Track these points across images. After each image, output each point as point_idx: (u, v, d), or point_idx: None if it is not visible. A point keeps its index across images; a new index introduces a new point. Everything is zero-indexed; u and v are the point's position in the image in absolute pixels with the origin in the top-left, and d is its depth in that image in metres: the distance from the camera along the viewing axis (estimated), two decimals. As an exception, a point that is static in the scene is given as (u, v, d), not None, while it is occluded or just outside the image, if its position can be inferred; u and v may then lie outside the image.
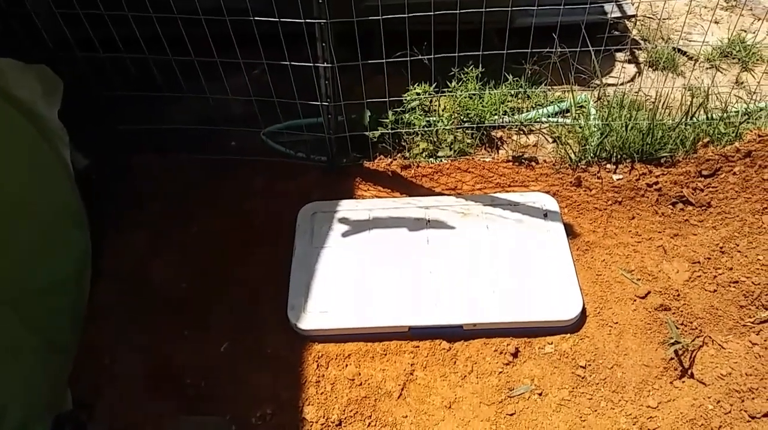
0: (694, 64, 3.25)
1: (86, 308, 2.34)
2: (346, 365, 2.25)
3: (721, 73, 3.24)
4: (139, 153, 2.79)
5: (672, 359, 2.18)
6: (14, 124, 2.18)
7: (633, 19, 3.51)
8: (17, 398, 1.92)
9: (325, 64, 2.37)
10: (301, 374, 2.23)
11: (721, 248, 2.42)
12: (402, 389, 2.20)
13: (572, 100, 2.94)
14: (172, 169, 2.78)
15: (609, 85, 3.14)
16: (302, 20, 2.22)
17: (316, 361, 2.26)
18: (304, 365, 2.25)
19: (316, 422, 2.13)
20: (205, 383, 2.21)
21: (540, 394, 2.17)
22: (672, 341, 2.18)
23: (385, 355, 2.27)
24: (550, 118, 2.98)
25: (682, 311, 2.29)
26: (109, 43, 2.42)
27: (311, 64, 2.37)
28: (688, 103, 2.78)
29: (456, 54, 2.43)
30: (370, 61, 2.39)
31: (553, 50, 2.69)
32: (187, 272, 2.49)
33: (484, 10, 2.28)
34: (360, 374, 2.23)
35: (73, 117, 2.44)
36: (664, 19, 3.57)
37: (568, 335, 2.29)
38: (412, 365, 2.25)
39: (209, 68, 2.44)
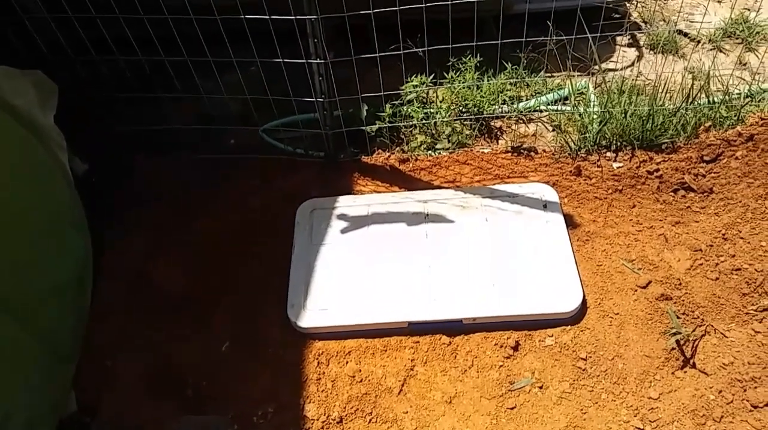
0: (695, 46, 3.20)
1: (89, 311, 2.36)
2: (347, 362, 2.26)
3: (724, 53, 3.18)
4: (139, 154, 2.81)
5: (673, 349, 2.17)
6: (11, 132, 2.18)
7: (633, 2, 3.45)
8: (21, 405, 1.95)
9: (318, 60, 2.35)
10: (302, 372, 2.25)
11: (723, 234, 2.39)
12: (402, 385, 2.21)
13: (570, 87, 2.90)
14: (171, 170, 2.79)
15: (609, 70, 3.10)
16: (293, 17, 2.20)
17: (317, 358, 2.27)
18: (305, 363, 2.27)
19: (317, 420, 2.14)
20: (207, 382, 2.23)
21: (541, 387, 2.17)
22: (673, 331, 2.16)
23: (386, 351, 2.28)
24: (549, 107, 2.94)
25: (683, 300, 2.27)
26: (102, 45, 2.42)
27: (304, 61, 2.35)
28: (689, 86, 2.73)
29: (450, 45, 2.39)
30: (363, 56, 2.36)
31: (548, 38, 2.64)
32: (188, 272, 2.51)
33: None
34: (360, 370, 2.24)
35: (70, 121, 2.46)
36: (664, 0, 3.50)
37: (569, 327, 2.28)
38: (412, 360, 2.26)
39: (203, 67, 2.43)
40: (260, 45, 2.34)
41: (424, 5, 2.22)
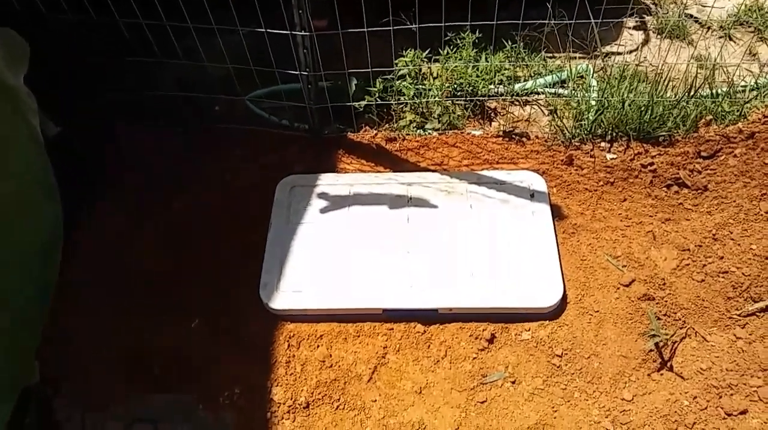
0: (705, 32, 3.05)
1: (57, 283, 2.31)
2: (318, 346, 2.22)
3: (734, 42, 3.04)
4: (117, 122, 2.71)
5: (651, 350, 2.12)
6: (-23, 91, 2.10)
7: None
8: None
9: (303, 33, 2.24)
10: (272, 354, 2.20)
11: (713, 234, 2.31)
12: (373, 373, 2.17)
13: (569, 70, 2.78)
14: (151, 139, 2.70)
15: (612, 53, 2.97)
16: (276, -15, 2.08)
17: (287, 341, 2.23)
18: (275, 345, 2.22)
19: (284, 404, 2.11)
20: (174, 361, 2.19)
21: (513, 382, 2.12)
22: (652, 332, 2.10)
23: (358, 337, 2.23)
24: (546, 89, 2.83)
25: (666, 301, 2.20)
26: (78, 2, 2.30)
27: (288, 32, 2.24)
28: (694, 76, 2.61)
29: (443, 24, 2.27)
30: (350, 30, 2.25)
31: (547, 20, 2.50)
32: (162, 248, 2.44)
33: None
34: (331, 355, 2.19)
35: (43, 82, 2.35)
36: (678, -19, 3.34)
37: (547, 322, 2.22)
38: (384, 347, 2.21)
39: (186, 32, 2.31)
40: (252, 12, 2.22)
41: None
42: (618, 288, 2.25)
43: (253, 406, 2.11)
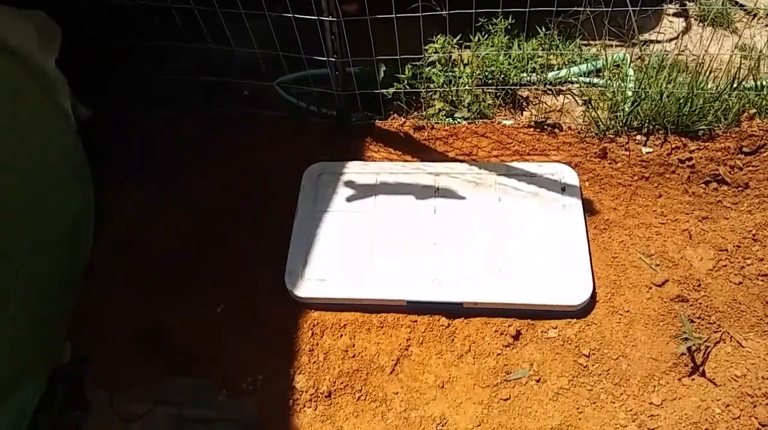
0: (750, 20, 2.92)
1: (86, 264, 2.34)
2: (341, 336, 2.20)
3: (783, 31, 2.90)
4: (146, 105, 2.70)
5: (683, 354, 2.05)
6: (9, 74, 2.11)
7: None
8: (5, 354, 1.95)
9: (330, 18, 2.19)
10: (295, 341, 2.20)
11: (753, 235, 2.22)
12: (395, 365, 2.15)
13: (605, 59, 2.69)
14: (178, 123, 2.70)
15: (651, 41, 2.86)
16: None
17: (311, 329, 2.22)
18: (299, 333, 2.22)
19: (306, 392, 2.11)
20: (198, 345, 2.21)
21: (538, 380, 2.09)
22: (684, 336, 2.04)
23: (382, 328, 2.21)
24: (581, 78, 2.74)
25: (700, 303, 2.13)
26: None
27: (315, 18, 2.19)
28: (737, 67, 2.49)
29: (473, 11, 2.20)
30: (378, 17, 2.19)
31: (582, 8, 2.41)
32: (188, 232, 2.45)
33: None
34: (354, 345, 2.18)
35: (75, 65, 2.36)
36: (724, -35, 3.19)
37: (575, 320, 2.17)
38: (408, 340, 2.19)
39: (215, 16, 2.28)
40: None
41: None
42: (650, 288, 2.19)
43: (275, 393, 2.11)
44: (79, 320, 2.25)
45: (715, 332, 2.07)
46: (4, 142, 2.03)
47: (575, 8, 2.44)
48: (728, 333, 2.06)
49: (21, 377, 1.98)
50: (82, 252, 2.35)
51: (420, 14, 2.20)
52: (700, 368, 2.02)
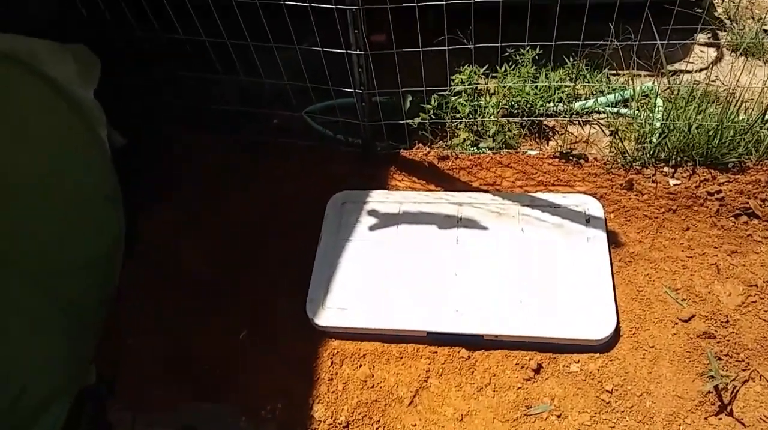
0: (785, 51, 2.87)
1: (116, 288, 2.41)
2: (360, 365, 2.21)
3: (818, 62, 2.84)
4: (179, 132, 2.80)
5: (710, 392, 2.00)
6: (50, 105, 2.22)
7: (720, -5, 3.13)
8: (40, 374, 2.02)
9: (358, 52, 2.24)
10: (315, 370, 2.22)
11: (785, 271, 2.16)
12: (414, 396, 2.14)
13: (633, 89, 2.67)
14: (210, 150, 2.78)
15: (681, 71, 2.83)
16: (333, 6, 2.10)
17: (331, 358, 2.23)
18: (318, 362, 2.23)
19: (324, 422, 2.12)
20: (221, 370, 2.24)
21: (559, 416, 2.05)
22: (711, 373, 1.98)
23: (401, 358, 2.22)
24: (608, 108, 2.72)
25: (728, 340, 2.07)
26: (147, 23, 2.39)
27: (344, 51, 2.25)
28: (769, 99, 2.45)
29: (499, 44, 2.22)
30: (405, 50, 2.24)
31: (608, 41, 2.40)
32: (215, 257, 2.51)
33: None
34: (373, 376, 2.19)
35: (111, 94, 2.47)
36: (757, -5, 3.15)
37: (597, 354, 2.14)
38: (427, 371, 2.18)
39: (246, 48, 2.36)
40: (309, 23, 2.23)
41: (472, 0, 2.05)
42: (676, 323, 2.14)
43: (294, 422, 2.13)
44: (106, 342, 2.31)
45: (743, 371, 2.01)
46: (44, 169, 2.13)
47: (602, 42, 2.43)
48: (758, 372, 2.00)
49: (53, 397, 2.05)
50: (113, 276, 2.43)
51: (446, 47, 2.23)
52: (728, 408, 1.96)
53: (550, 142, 2.69)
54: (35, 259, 2.07)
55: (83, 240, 2.30)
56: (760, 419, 1.93)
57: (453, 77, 2.65)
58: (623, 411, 2.02)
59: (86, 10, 2.39)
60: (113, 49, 2.49)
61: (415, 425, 2.09)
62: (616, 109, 2.71)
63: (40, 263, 2.09)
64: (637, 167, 2.48)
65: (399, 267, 2.34)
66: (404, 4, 2.10)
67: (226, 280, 2.44)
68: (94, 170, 2.40)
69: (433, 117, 2.64)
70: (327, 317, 2.26)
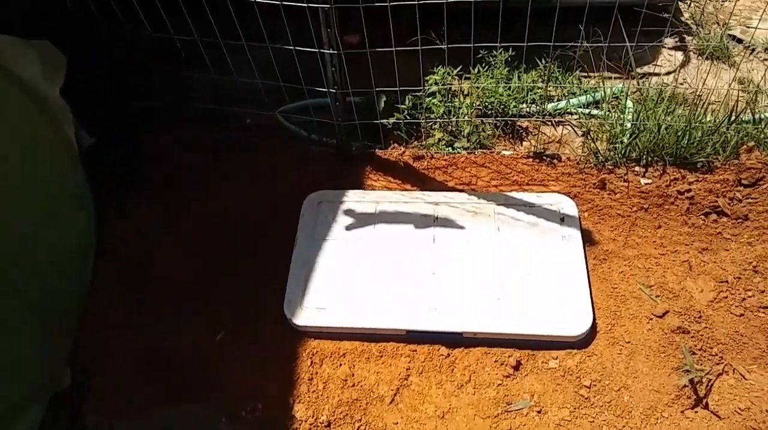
0: (748, 54, 2.96)
1: (88, 288, 2.33)
2: (340, 365, 2.18)
3: (779, 65, 2.94)
4: (150, 132, 2.73)
5: (686, 386, 2.03)
6: (14, 103, 2.14)
7: (687, 1, 3.22)
8: (12, 378, 1.94)
9: (331, 51, 2.23)
10: (294, 370, 2.18)
11: (754, 267, 2.21)
12: (395, 395, 2.12)
13: (603, 91, 2.72)
14: (181, 149, 2.72)
15: (650, 74, 2.90)
16: (305, 4, 2.08)
17: (311, 358, 2.20)
18: (298, 362, 2.20)
19: (305, 421, 2.08)
20: (199, 372, 2.19)
21: (539, 411, 2.06)
22: (686, 368, 2.01)
23: (381, 357, 2.19)
24: (580, 110, 2.77)
25: (702, 335, 2.11)
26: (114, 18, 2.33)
27: (316, 50, 2.23)
28: (735, 100, 2.52)
29: (472, 45, 2.23)
30: (378, 49, 2.23)
31: (579, 43, 2.44)
32: (189, 258, 2.45)
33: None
34: (353, 375, 2.16)
35: (78, 93, 2.39)
36: (722, 1, 3.25)
37: (575, 351, 2.15)
38: (407, 369, 2.17)
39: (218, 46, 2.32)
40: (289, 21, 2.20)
41: (445, 0, 2.05)
42: (651, 319, 2.17)
43: (274, 422, 2.08)
44: (80, 345, 2.23)
45: (717, 364, 2.05)
46: (8, 167, 2.05)
47: (572, 44, 2.47)
48: (731, 365, 2.04)
49: (27, 400, 1.96)
50: (84, 277, 2.35)
51: (419, 47, 2.23)
52: (703, 401, 2.00)
53: (524, 143, 2.72)
54: (3, 259, 1.99)
55: (51, 241, 2.22)
56: (735, 411, 1.96)
57: (427, 78, 2.66)
58: (602, 406, 2.04)
59: (53, 5, 2.32)
60: (80, 45, 2.42)
61: (397, 423, 2.07)
62: (587, 111, 2.76)
63: (8, 263, 2.01)
64: (610, 167, 2.51)
65: (377, 266, 2.32)
66: (377, 4, 2.09)
67: (203, 281, 2.39)
68: (61, 169, 2.32)
69: (408, 117, 2.64)
70: (305, 317, 2.22)
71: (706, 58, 2.95)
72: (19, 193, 2.10)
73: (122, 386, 2.18)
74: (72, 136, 2.37)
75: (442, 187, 2.56)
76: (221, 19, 2.23)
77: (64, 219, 2.32)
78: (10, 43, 2.14)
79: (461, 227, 2.39)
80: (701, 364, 2.05)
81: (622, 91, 2.76)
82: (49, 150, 2.27)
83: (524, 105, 2.76)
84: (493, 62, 2.78)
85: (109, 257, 2.45)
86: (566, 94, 2.83)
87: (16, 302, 2.01)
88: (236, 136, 2.73)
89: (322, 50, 2.21)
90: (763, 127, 2.46)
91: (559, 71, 2.86)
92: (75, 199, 2.37)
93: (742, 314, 2.13)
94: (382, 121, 2.59)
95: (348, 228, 2.44)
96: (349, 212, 2.48)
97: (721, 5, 3.22)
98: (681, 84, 2.81)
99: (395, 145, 2.68)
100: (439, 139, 2.66)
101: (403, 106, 2.63)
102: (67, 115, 2.35)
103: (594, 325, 2.17)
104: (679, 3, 3.16)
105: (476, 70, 2.72)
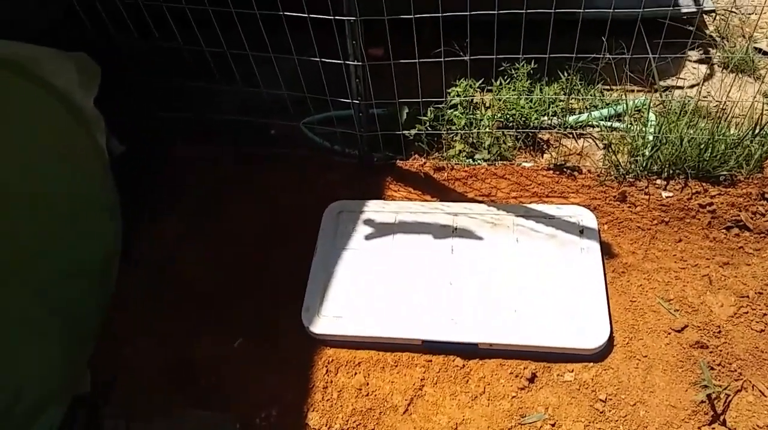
0: (775, 68, 2.93)
1: (112, 295, 2.41)
2: (355, 374, 2.22)
3: (807, 79, 2.90)
4: (178, 142, 2.82)
5: (703, 402, 2.01)
6: (52, 113, 2.24)
7: (712, 14, 3.19)
8: (34, 379, 2.01)
9: (356, 62, 2.28)
10: (310, 378, 2.22)
11: (776, 282, 2.19)
12: (409, 405, 2.15)
13: (626, 104, 2.71)
14: (209, 160, 2.80)
15: (673, 87, 2.88)
16: (331, 17, 2.13)
17: (326, 366, 2.24)
18: (314, 370, 2.23)
19: None
20: (217, 378, 2.24)
21: (553, 424, 2.06)
22: (704, 383, 2.00)
23: (396, 366, 2.22)
24: (602, 122, 2.77)
25: (721, 351, 2.09)
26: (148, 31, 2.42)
27: (341, 62, 2.28)
28: (760, 113, 2.49)
29: (494, 56, 2.26)
30: (402, 61, 2.27)
31: (601, 54, 2.45)
32: (213, 266, 2.51)
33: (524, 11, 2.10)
34: (368, 384, 2.19)
35: (111, 102, 2.49)
36: (748, 14, 3.22)
37: (591, 364, 2.15)
38: (422, 379, 2.19)
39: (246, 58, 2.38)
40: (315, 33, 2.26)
41: (468, 13, 2.09)
42: (669, 333, 2.16)
43: (288, 429, 2.12)
44: (102, 349, 2.31)
45: (736, 381, 2.03)
46: (42, 175, 2.14)
47: (595, 55, 2.48)
48: (750, 382, 2.02)
49: (47, 401, 2.04)
50: (109, 284, 2.43)
51: (442, 59, 2.26)
52: (721, 417, 1.98)
53: (545, 155, 2.73)
54: (31, 265, 2.07)
55: (78, 247, 2.30)
56: (753, 428, 1.94)
57: (449, 90, 2.70)
58: (617, 420, 2.03)
59: (88, 18, 2.42)
60: (114, 57, 2.51)
61: (410, 433, 2.09)
62: (609, 123, 2.76)
63: (35, 270, 2.09)
64: (630, 180, 2.51)
65: (394, 276, 2.35)
66: (401, 16, 2.14)
67: (224, 290, 2.44)
68: (92, 178, 2.41)
69: (430, 129, 2.67)
70: (322, 325, 2.26)
71: (731, 71, 2.92)
72: (50, 200, 2.18)
73: (140, 391, 2.23)
74: (103, 145, 2.46)
75: (461, 198, 2.58)
76: (249, 33, 2.30)
77: (93, 225, 2.40)
78: (49, 55, 2.23)
79: (480, 238, 2.41)
80: (719, 380, 2.03)
81: (644, 104, 2.75)
82: (82, 158, 2.37)
83: (545, 117, 2.77)
84: (515, 75, 2.80)
85: (134, 264, 2.52)
86: (588, 106, 2.84)
87: (40, 307, 2.09)
88: (261, 147, 2.80)
89: (347, 62, 2.26)
90: (788, 141, 2.43)
91: (581, 84, 2.86)
92: (104, 206, 2.45)
93: (762, 330, 2.10)
94: (404, 132, 2.63)
95: (367, 238, 2.47)
96: (368, 222, 2.52)
97: (747, 18, 3.19)
98: (705, 97, 2.78)
99: (416, 156, 2.71)
100: (460, 151, 2.68)
101: (425, 117, 2.66)
102: (100, 124, 2.44)
103: (611, 338, 2.16)
104: (704, 16, 3.14)
105: (498, 82, 2.74)
